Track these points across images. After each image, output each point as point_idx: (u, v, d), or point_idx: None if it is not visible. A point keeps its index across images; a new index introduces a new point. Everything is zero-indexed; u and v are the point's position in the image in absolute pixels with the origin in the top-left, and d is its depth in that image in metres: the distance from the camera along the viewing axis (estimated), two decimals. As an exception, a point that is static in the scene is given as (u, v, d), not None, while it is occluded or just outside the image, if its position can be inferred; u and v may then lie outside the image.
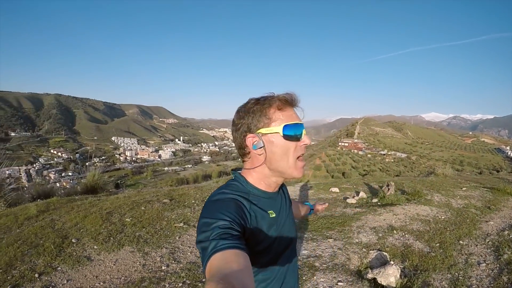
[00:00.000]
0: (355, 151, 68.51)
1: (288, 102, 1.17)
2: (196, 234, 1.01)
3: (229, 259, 0.82)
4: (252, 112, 1.16)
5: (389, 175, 23.59)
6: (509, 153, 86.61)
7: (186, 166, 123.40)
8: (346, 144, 76.24)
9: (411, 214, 6.73)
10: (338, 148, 71.51)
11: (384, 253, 4.59)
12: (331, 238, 5.25)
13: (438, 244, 5.10)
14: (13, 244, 4.22)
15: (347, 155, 59.36)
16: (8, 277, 3.47)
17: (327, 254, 4.62)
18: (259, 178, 1.21)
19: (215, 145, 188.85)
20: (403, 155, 68.08)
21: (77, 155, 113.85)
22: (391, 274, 3.86)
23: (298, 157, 1.18)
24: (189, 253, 4.42)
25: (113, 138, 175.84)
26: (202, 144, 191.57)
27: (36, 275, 3.55)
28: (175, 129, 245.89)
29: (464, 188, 10.36)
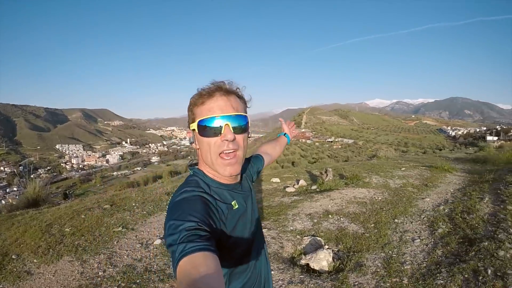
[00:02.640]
0: (303, 140, 70.15)
1: (204, 94, 1.14)
2: (164, 238, 0.98)
3: (197, 263, 0.81)
4: (188, 109, 1.20)
5: (337, 161, 24.44)
6: (450, 133, 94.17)
7: (135, 169, 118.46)
8: (294, 134, 79.47)
9: (348, 197, 7.02)
10: (286, 139, 74.15)
11: (318, 238, 4.79)
12: (265, 228, 5.37)
13: (373, 225, 5.38)
14: None
15: (296, 144, 60.55)
16: None
17: (259, 244, 4.72)
18: (212, 171, 1.21)
19: (164, 145, 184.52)
20: (350, 141, 70.95)
21: (21, 167, 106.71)
22: (322, 258, 4.05)
23: (220, 153, 1.14)
24: (125, 256, 4.44)
25: (57, 146, 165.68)
26: (150, 144, 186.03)
27: (-23, 296, 3.50)
28: (121, 132, 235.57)
29: (403, 169, 10.99)
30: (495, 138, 61.49)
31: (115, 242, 4.92)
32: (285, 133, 2.13)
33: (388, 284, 3.49)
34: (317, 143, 66.91)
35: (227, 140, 1.12)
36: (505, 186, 6.94)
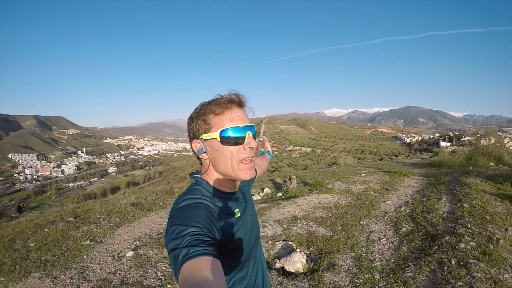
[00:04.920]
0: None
1: (225, 105, 1.17)
2: (166, 243, 1.00)
3: (200, 267, 0.82)
4: (196, 118, 1.19)
5: (297, 169, 24.73)
6: (405, 140, 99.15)
7: (92, 179, 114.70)
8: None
9: (313, 203, 7.21)
10: (245, 148, 76.21)
11: (290, 243, 4.94)
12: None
13: (340, 227, 5.58)
14: None
15: (255, 154, 61.97)
16: None
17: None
18: (216, 181, 1.23)
19: (121, 155, 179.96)
20: (309, 149, 72.90)
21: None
22: (297, 261, 4.20)
23: (242, 160, 1.18)
24: (98, 270, 4.30)
25: (10, 155, 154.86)
26: (107, 154, 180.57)
27: None
28: (77, 140, 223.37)
29: (363, 174, 11.39)
30: (448, 143, 65.77)
31: (85, 256, 4.77)
32: (268, 151, 2.23)
33: (362, 280, 3.65)
34: (276, 152, 67.98)
35: (250, 147, 1.18)
36: (461, 187, 7.41)
